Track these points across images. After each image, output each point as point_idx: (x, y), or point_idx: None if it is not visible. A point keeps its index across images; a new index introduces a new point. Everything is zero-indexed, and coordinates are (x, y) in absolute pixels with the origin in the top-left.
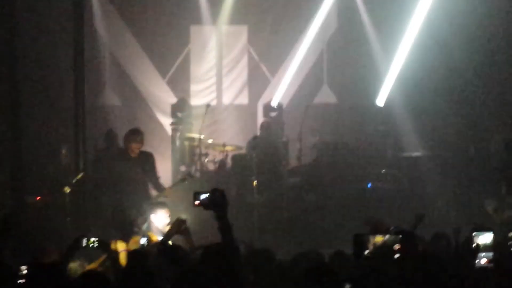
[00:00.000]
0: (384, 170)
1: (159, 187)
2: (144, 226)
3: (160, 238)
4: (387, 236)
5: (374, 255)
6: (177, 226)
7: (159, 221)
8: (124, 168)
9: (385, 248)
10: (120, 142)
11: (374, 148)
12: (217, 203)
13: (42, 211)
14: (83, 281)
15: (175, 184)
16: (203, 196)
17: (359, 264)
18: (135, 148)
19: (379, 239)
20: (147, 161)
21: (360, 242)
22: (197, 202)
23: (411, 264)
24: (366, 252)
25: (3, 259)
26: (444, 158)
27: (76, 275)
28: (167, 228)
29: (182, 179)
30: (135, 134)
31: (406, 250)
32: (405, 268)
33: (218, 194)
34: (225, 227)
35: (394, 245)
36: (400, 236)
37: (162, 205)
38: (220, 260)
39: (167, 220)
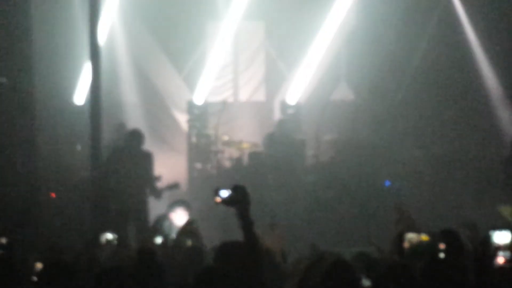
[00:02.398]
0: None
1: (152, 188)
2: (166, 225)
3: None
4: (424, 234)
5: (411, 253)
6: (185, 227)
7: (179, 219)
8: (122, 166)
9: (424, 246)
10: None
11: (392, 146)
12: (239, 200)
13: (57, 207)
14: (100, 277)
15: (161, 189)
16: (224, 193)
17: (382, 263)
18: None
19: (415, 237)
20: (144, 160)
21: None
22: (218, 199)
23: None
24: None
25: (18, 254)
26: (464, 157)
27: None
28: None
29: (169, 187)
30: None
31: (451, 250)
32: (450, 267)
33: (240, 191)
34: (247, 224)
35: (433, 243)
36: (442, 235)
37: (181, 203)
38: (242, 258)
39: (187, 218)
